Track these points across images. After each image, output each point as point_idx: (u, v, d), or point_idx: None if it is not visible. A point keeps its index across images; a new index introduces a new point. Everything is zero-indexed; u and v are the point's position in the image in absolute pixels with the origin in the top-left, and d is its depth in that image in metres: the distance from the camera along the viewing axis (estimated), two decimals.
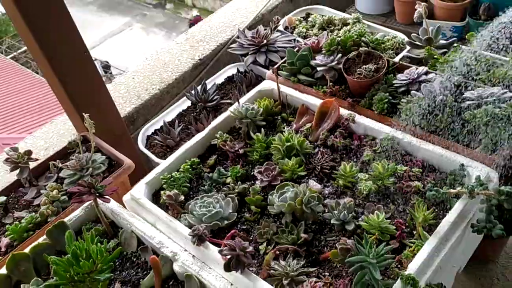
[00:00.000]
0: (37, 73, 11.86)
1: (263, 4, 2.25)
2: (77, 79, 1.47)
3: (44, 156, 1.72)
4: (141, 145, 1.58)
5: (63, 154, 1.53)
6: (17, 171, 1.41)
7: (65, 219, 1.26)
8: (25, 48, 13.06)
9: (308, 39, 1.71)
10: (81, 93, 1.50)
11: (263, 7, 2.21)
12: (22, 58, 12.91)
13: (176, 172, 1.31)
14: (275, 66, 1.64)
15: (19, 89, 9.80)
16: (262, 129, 1.40)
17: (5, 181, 1.65)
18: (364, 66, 1.43)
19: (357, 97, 1.49)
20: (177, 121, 1.66)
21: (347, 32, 1.74)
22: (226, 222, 1.20)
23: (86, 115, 1.40)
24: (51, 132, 1.83)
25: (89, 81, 1.51)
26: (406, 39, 1.72)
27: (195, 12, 17.54)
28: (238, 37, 1.92)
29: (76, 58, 1.44)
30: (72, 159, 1.44)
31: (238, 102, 1.48)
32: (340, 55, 1.54)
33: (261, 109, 1.45)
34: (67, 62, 1.43)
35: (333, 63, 1.52)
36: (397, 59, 1.62)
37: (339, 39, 1.57)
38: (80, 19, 16.99)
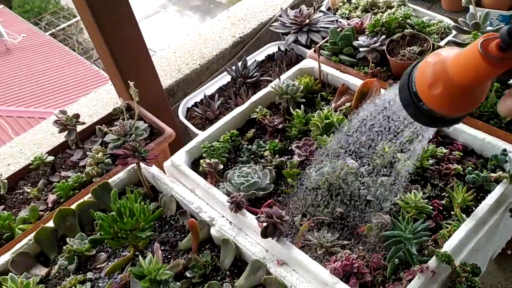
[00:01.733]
0: (74, 50, 12.13)
1: None
2: (124, 46, 1.52)
3: (89, 122, 1.79)
4: (181, 116, 1.62)
5: (108, 120, 1.59)
6: (65, 133, 1.47)
7: (109, 180, 1.31)
8: (64, 25, 13.35)
9: (351, 20, 1.71)
10: (127, 61, 1.55)
11: None
12: (60, 35, 13.19)
13: (216, 142, 1.35)
14: (317, 45, 1.65)
15: (57, 66, 10.05)
16: (302, 106, 1.42)
17: (50, 144, 1.73)
18: (408, 48, 1.43)
19: (399, 79, 1.48)
20: (217, 95, 1.69)
21: (392, 14, 1.73)
22: (262, 192, 1.22)
23: (131, 83, 1.44)
24: (95, 100, 1.90)
25: (135, 50, 1.55)
26: (452, 24, 1.69)
27: None
28: (280, 16, 1.93)
29: (124, 26, 1.48)
30: (116, 125, 1.50)
31: (279, 79, 1.49)
32: (383, 36, 1.54)
33: (302, 86, 1.46)
34: (115, 29, 1.47)
35: (376, 44, 1.52)
36: (442, 43, 1.61)
37: (384, 20, 1.56)
38: None
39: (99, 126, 1.49)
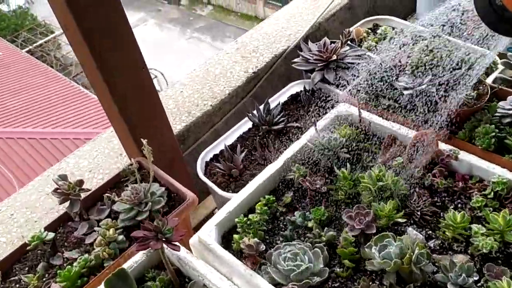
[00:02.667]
0: (52, 67, 11.78)
1: (319, 12, 2.06)
2: (133, 97, 1.30)
3: (89, 179, 1.56)
4: (201, 173, 1.41)
5: (116, 182, 1.37)
6: (67, 203, 1.25)
7: (125, 265, 1.09)
8: (41, 41, 12.99)
9: (386, 56, 1.52)
10: (136, 114, 1.33)
11: (320, 15, 2.03)
12: (37, 52, 12.84)
13: (252, 215, 1.14)
14: (350, 87, 1.46)
15: (35, 83, 9.74)
16: (348, 164, 1.22)
17: (45, 208, 1.50)
18: (465, 94, 1.25)
19: (452, 126, 1.30)
20: (238, 145, 1.48)
21: (428, 49, 1.55)
22: (317, 279, 1.02)
23: (144, 141, 1.23)
24: (95, 152, 1.67)
25: (146, 100, 1.34)
26: (497, 58, 1.52)
27: (210, 8, 17.41)
28: (299, 49, 1.74)
29: (132, 73, 1.27)
30: (127, 190, 1.27)
31: (316, 130, 1.30)
32: (429, 76, 1.36)
33: (343, 140, 1.26)
34: (122, 76, 1.26)
35: (423, 86, 1.34)
36: (489, 80, 1.44)
37: (427, 58, 1.38)
38: None
39: (108, 194, 1.26)
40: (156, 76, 12.84)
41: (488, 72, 1.50)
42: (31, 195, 1.56)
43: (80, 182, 1.25)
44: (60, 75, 10.59)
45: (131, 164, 1.33)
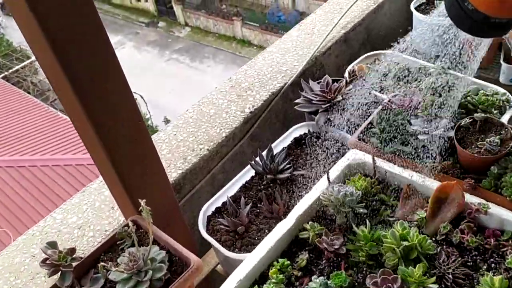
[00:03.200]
0: (29, 93, 11.53)
1: (314, 46, 1.98)
2: (129, 154, 1.19)
3: (78, 238, 1.43)
4: (203, 231, 1.29)
5: (111, 246, 1.24)
6: (57, 275, 1.11)
7: None
8: (17, 67, 12.74)
9: (395, 95, 1.45)
10: (133, 172, 1.22)
11: (316, 49, 1.95)
12: (13, 77, 12.59)
13: (267, 285, 1.02)
14: (359, 131, 1.38)
15: (13, 109, 9.52)
16: (367, 221, 1.12)
17: (31, 272, 1.36)
18: (488, 140, 1.17)
19: (472, 174, 1.22)
20: (242, 197, 1.37)
21: (437, 85, 1.49)
22: None
23: (142, 201, 1.11)
24: (84, 205, 1.53)
25: (142, 156, 1.22)
26: (508, 94, 1.46)
27: (187, 30, 17.41)
28: (297, 85, 1.65)
29: (129, 128, 1.16)
30: (124, 256, 1.15)
31: (328, 182, 1.20)
32: (445, 120, 1.28)
33: (360, 193, 1.17)
34: (117, 133, 1.14)
35: (439, 131, 1.26)
36: (504, 119, 1.37)
37: (441, 99, 1.31)
38: None
39: (103, 263, 1.13)
40: (136, 99, 12.72)
41: (501, 110, 1.44)
42: (14, 258, 1.41)
43: (72, 251, 1.12)
44: (37, 101, 10.38)
45: (127, 225, 1.21)
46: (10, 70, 12.78)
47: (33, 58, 13.20)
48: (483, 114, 1.24)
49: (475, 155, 1.18)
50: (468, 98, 1.33)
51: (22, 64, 13.13)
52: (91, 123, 1.07)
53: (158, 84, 14.27)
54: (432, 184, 1.19)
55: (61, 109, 11.15)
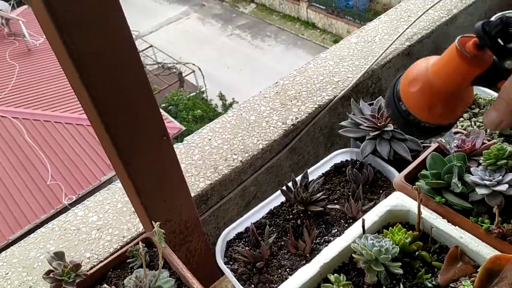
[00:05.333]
0: None
1: (373, 56, 1.81)
2: (151, 172, 1.10)
3: (95, 240, 1.38)
4: (220, 259, 1.19)
5: (120, 262, 1.17)
6: None
7: None
8: None
9: (454, 133, 1.27)
10: (154, 190, 1.13)
11: (374, 61, 1.77)
12: None
13: None
14: (407, 170, 1.21)
15: None
16: (401, 285, 0.98)
17: (46, 268, 1.32)
18: None
19: None
20: (267, 225, 1.25)
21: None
22: None
23: (156, 224, 1.03)
24: (107, 205, 1.48)
25: (166, 174, 1.13)
26: None
27: (252, 7, 17.24)
28: (345, 99, 1.50)
29: (153, 145, 1.07)
30: (131, 279, 1.07)
31: (363, 230, 1.06)
32: (511, 175, 1.09)
33: (397, 248, 1.02)
34: (140, 151, 1.05)
35: (502, 187, 1.08)
36: None
37: (510, 149, 1.12)
38: (140, 4, 16.98)
39: (106, 286, 1.06)
40: (193, 71, 12.81)
41: None
42: (30, 251, 1.38)
43: (77, 267, 1.06)
44: None
45: (136, 244, 1.14)
46: None
47: None
48: None
49: None
50: None
51: None
52: (109, 136, 0.98)
53: (217, 58, 14.31)
54: (485, 251, 1.02)
55: None
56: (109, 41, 0.85)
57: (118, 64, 0.90)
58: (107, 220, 1.43)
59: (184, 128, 8.64)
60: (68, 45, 0.80)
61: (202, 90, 12.25)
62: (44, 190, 7.17)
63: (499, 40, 0.63)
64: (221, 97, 11.88)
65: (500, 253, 1.00)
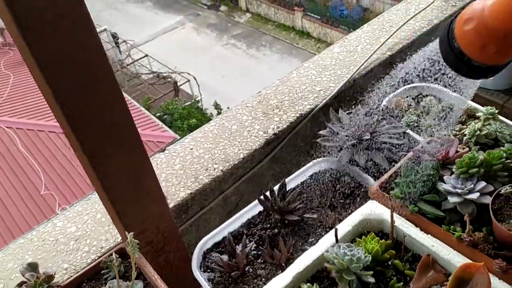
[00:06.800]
0: None
1: (355, 66, 1.82)
2: (124, 183, 1.10)
3: (73, 251, 1.38)
4: (195, 268, 1.19)
5: (94, 274, 1.17)
6: None
7: None
8: None
9: (429, 142, 1.27)
10: (126, 196, 1.13)
11: (356, 71, 1.79)
12: None
13: None
14: (384, 178, 1.22)
15: None
16: None
17: (16, 282, 1.32)
18: None
19: (507, 251, 1.04)
20: (245, 235, 1.26)
21: (480, 134, 1.30)
22: None
23: (129, 235, 1.03)
24: (86, 215, 1.48)
25: (140, 186, 1.14)
26: None
27: (248, 16, 17.33)
28: (327, 108, 1.51)
29: (126, 157, 1.07)
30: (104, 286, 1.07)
31: (336, 240, 1.07)
32: (483, 184, 1.10)
33: (369, 257, 1.03)
34: (113, 162, 1.06)
35: (473, 196, 1.08)
36: None
37: (481, 157, 1.13)
38: (136, 14, 17.03)
39: None
40: (188, 80, 12.83)
41: None
42: (8, 263, 1.38)
43: (50, 278, 1.06)
44: None
45: (111, 255, 1.13)
46: None
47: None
48: None
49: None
50: None
51: None
52: (80, 145, 0.99)
53: (212, 67, 14.34)
54: (457, 259, 1.03)
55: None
56: (73, 43, 0.85)
57: (83, 69, 0.90)
58: (86, 230, 1.43)
59: (178, 138, 8.64)
60: (30, 45, 0.80)
61: (197, 99, 12.26)
62: (37, 200, 7.14)
63: None
64: (216, 106, 11.89)
65: (470, 261, 1.01)
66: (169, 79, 12.78)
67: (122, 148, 1.05)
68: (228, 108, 11.58)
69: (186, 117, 10.84)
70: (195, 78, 12.83)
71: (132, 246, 1.03)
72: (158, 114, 10.65)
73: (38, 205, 7.25)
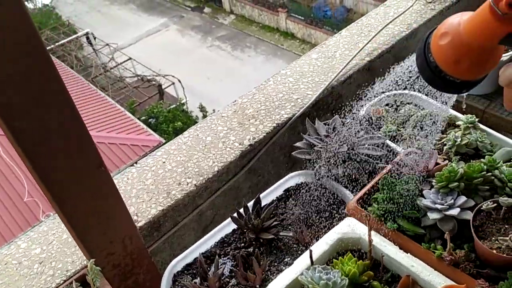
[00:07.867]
0: (72, 67, 11.75)
1: (333, 72, 1.77)
2: (83, 202, 1.03)
3: (36, 275, 1.30)
4: None
5: None
6: None
7: None
8: (63, 41, 12.97)
9: (408, 154, 1.22)
10: (87, 219, 1.06)
11: (334, 77, 1.74)
12: (59, 51, 12.84)
13: None
14: (361, 193, 1.17)
15: None
16: None
17: None
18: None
19: (490, 269, 1.00)
20: (217, 254, 1.19)
21: (460, 144, 1.25)
22: None
23: (90, 262, 0.97)
24: (51, 235, 1.40)
25: (100, 199, 1.07)
26: None
27: (232, 18, 17.26)
28: (313, 118, 1.45)
29: (89, 176, 1.00)
30: None
31: (311, 262, 1.01)
32: (464, 199, 1.05)
33: (346, 280, 0.97)
34: (75, 181, 0.99)
35: (453, 212, 1.04)
36: None
37: (461, 171, 1.08)
38: (119, 17, 16.91)
39: None
40: (173, 83, 12.71)
41: None
42: None
43: None
44: (79, 76, 10.54)
45: (71, 283, 1.06)
46: (57, 44, 13.01)
47: (80, 33, 13.45)
48: (510, 200, 1.01)
49: (494, 251, 0.96)
50: (496, 171, 1.09)
51: (69, 39, 13.36)
52: (33, 167, 0.92)
53: (197, 69, 14.24)
54: (437, 280, 0.98)
55: (101, 86, 11.32)
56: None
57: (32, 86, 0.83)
58: (51, 252, 1.35)
59: (164, 141, 8.53)
60: None
61: (182, 102, 12.16)
62: (20, 207, 6.99)
63: None
64: (202, 108, 11.80)
65: (452, 282, 0.96)
66: (154, 82, 12.64)
67: (83, 169, 0.98)
68: (214, 110, 11.52)
69: (172, 120, 10.74)
70: (179, 81, 12.73)
71: (92, 274, 0.97)
72: (143, 117, 10.54)
73: (21, 212, 7.10)
